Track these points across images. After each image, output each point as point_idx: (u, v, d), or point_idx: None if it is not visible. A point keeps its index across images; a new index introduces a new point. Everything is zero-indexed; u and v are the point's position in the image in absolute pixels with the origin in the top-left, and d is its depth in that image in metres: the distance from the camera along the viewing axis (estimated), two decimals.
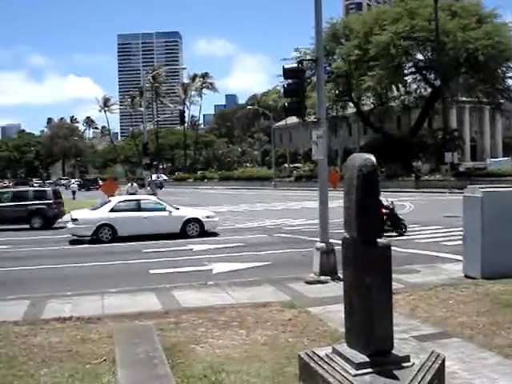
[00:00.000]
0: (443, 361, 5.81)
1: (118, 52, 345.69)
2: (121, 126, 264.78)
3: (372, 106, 68.09)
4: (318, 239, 13.59)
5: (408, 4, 58.24)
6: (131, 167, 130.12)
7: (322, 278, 12.67)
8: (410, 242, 18.81)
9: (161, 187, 72.79)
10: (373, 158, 5.53)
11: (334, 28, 63.87)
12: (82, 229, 22.20)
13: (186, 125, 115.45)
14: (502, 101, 61.24)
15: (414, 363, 5.51)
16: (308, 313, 9.65)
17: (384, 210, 20.55)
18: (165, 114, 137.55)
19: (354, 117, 71.64)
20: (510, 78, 59.55)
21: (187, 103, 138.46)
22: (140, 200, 24.14)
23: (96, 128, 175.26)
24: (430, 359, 5.68)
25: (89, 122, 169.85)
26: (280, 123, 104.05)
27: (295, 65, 14.68)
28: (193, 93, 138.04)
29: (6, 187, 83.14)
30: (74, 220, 22.51)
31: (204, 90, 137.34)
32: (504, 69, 58.40)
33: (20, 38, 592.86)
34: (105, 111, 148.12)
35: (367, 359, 5.43)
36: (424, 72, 63.06)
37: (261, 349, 7.68)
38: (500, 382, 6.35)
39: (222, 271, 14.72)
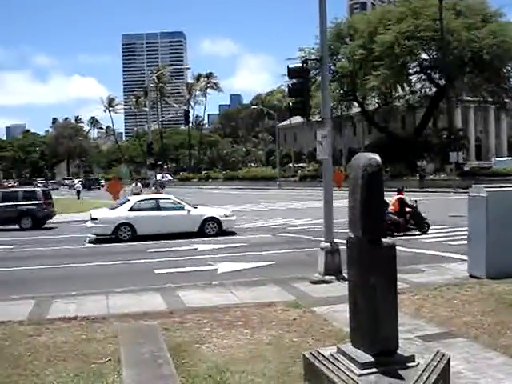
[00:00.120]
0: (448, 361, 5.80)
1: (123, 52, 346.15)
2: (125, 126, 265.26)
3: (377, 105, 67.98)
4: (322, 239, 13.59)
5: (412, 3, 58.12)
6: (136, 167, 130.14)
7: (327, 277, 12.66)
8: (415, 242, 18.78)
9: (163, 187, 72.91)
10: (378, 158, 5.52)
11: (338, 28, 63.83)
12: (102, 228, 22.45)
13: (190, 125, 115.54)
14: (506, 100, 61.02)
15: (419, 363, 5.50)
16: (313, 312, 9.65)
17: (408, 209, 20.71)
18: (169, 113, 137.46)
19: (358, 116, 71.54)
20: None
21: (192, 103, 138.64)
22: (159, 199, 24.33)
23: (101, 128, 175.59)
24: (435, 359, 5.67)
25: (93, 122, 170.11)
26: (284, 123, 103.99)
27: (300, 64, 14.64)
28: (197, 93, 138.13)
29: (12, 187, 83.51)
30: (93, 219, 22.75)
31: (208, 90, 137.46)
32: (509, 68, 58.30)
33: (25, 38, 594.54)
34: (109, 111, 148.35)
35: (372, 359, 5.43)
36: (429, 71, 62.91)
37: (265, 348, 7.67)
38: (506, 382, 6.33)
39: (227, 271, 14.72)
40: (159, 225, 22.48)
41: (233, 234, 23.36)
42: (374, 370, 5.34)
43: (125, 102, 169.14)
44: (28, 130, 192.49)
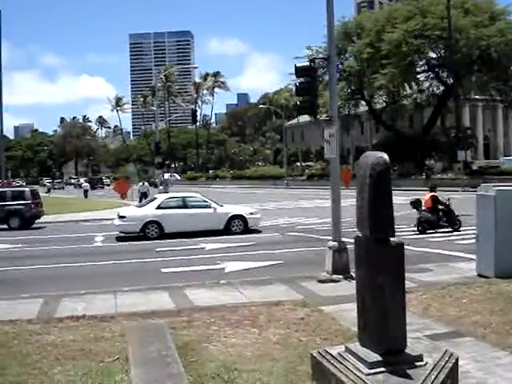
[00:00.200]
0: (456, 360, 5.79)
1: (130, 51, 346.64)
2: (133, 125, 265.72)
3: (384, 104, 67.85)
4: (330, 238, 13.57)
5: (420, 2, 58.01)
6: (143, 166, 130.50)
7: (335, 276, 12.64)
8: (423, 241, 18.74)
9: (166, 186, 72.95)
10: (386, 157, 5.51)
11: (346, 26, 63.76)
12: (130, 226, 22.68)
13: (197, 124, 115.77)
14: None
15: (427, 362, 5.49)
16: (320, 312, 9.64)
17: (440, 207, 20.88)
18: (177, 113, 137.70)
19: (366, 115, 71.43)
20: None
21: (199, 102, 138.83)
22: (186, 197, 24.48)
23: (108, 127, 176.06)
24: (444, 358, 5.66)
25: (101, 121, 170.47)
26: (292, 122, 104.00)
27: (307, 63, 14.62)
28: (205, 92, 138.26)
29: (20, 186, 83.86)
30: (121, 217, 23.00)
31: (216, 89, 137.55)
32: None
33: (33, 38, 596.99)
34: (117, 110, 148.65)
35: (380, 358, 5.42)
36: (436, 70, 62.75)
37: (273, 347, 7.67)
38: None
39: (235, 270, 14.72)
40: (186, 223, 22.69)
41: (258, 231, 23.55)
42: (382, 369, 5.33)
43: (132, 101, 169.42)
44: (36, 130, 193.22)
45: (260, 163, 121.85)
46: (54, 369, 7.04)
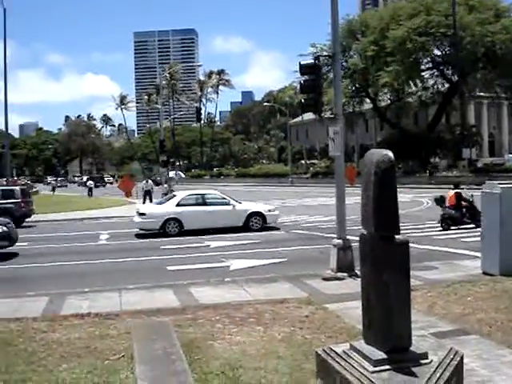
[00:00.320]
0: (462, 358, 5.78)
1: (135, 50, 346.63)
2: (137, 123, 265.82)
3: (389, 101, 67.79)
4: (335, 236, 13.57)
5: (424, 0, 57.89)
6: (148, 164, 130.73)
7: (339, 274, 12.64)
8: (428, 239, 18.72)
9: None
10: (391, 154, 5.50)
11: (350, 24, 63.74)
12: (150, 223, 22.85)
13: (202, 122, 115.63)
14: None
15: (432, 360, 5.48)
16: (325, 309, 9.64)
17: (464, 203, 20.99)
18: (181, 111, 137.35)
19: (370, 113, 71.40)
20: None
21: (203, 100, 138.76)
22: (205, 194, 24.62)
23: (113, 126, 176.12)
24: (449, 356, 5.65)
25: (106, 119, 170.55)
26: (296, 120, 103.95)
27: (312, 61, 14.60)
28: (209, 90, 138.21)
29: (25, 185, 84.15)
30: (141, 214, 23.17)
31: (220, 87, 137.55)
32: None
33: (38, 37, 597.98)
34: (121, 109, 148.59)
35: (385, 356, 5.41)
36: (441, 67, 62.65)
37: (278, 345, 7.68)
38: None
39: (239, 268, 14.74)
40: (206, 220, 22.81)
41: (276, 228, 23.59)
42: (387, 367, 5.33)
43: (137, 99, 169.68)
44: (41, 128, 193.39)
45: (264, 161, 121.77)
46: (59, 366, 7.06)
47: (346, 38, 61.08)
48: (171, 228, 22.58)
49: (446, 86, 62.82)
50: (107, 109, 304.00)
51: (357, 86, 64.59)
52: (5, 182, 44.26)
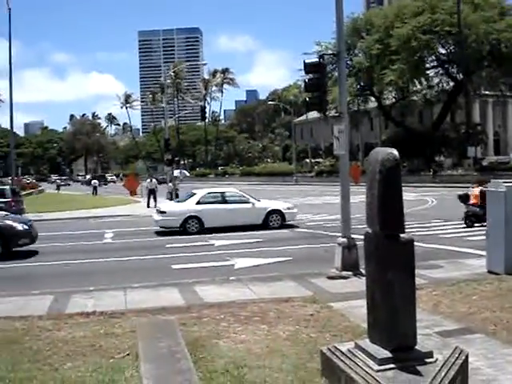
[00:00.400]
0: (467, 357, 5.77)
1: (139, 49, 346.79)
2: (142, 122, 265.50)
3: (393, 100, 67.68)
4: (339, 234, 13.56)
5: None
6: (153, 163, 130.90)
7: (344, 273, 12.62)
8: (433, 237, 18.69)
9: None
10: (395, 153, 5.50)
11: (355, 22, 63.62)
12: (171, 221, 22.93)
13: (206, 120, 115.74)
14: None
15: (437, 359, 5.48)
16: (330, 308, 9.63)
17: None
18: (186, 109, 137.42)
19: (375, 111, 71.31)
20: None
21: (208, 99, 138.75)
22: (225, 192, 24.73)
23: (118, 124, 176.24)
24: (454, 355, 5.65)
25: (110, 118, 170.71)
26: (301, 118, 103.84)
27: (316, 59, 14.58)
28: (213, 88, 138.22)
29: (30, 183, 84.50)
30: (162, 212, 23.24)
31: (225, 86, 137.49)
32: None
33: (43, 36, 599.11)
34: (126, 108, 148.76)
35: (390, 355, 5.41)
36: (446, 66, 62.53)
37: (283, 344, 7.67)
38: None
39: (244, 266, 14.74)
40: (226, 218, 22.88)
41: (295, 226, 23.66)
42: (392, 365, 5.33)
43: (141, 98, 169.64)
44: (46, 127, 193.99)
45: (269, 160, 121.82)
46: (65, 365, 7.07)
47: (351, 36, 60.99)
48: (191, 226, 22.65)
49: (451, 84, 62.70)
50: (112, 108, 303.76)
51: (361, 84, 64.52)
52: (10, 181, 44.34)
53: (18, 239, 17.87)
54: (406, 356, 5.43)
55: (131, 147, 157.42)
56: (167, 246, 19.40)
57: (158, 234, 22.90)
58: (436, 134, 62.48)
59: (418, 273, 6.16)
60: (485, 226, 20.30)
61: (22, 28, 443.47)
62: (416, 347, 5.56)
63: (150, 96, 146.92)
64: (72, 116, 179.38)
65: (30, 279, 14.22)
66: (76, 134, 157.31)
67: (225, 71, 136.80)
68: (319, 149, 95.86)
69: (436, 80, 64.13)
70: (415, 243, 5.66)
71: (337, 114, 13.85)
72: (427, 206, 32.42)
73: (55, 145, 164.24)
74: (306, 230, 22.68)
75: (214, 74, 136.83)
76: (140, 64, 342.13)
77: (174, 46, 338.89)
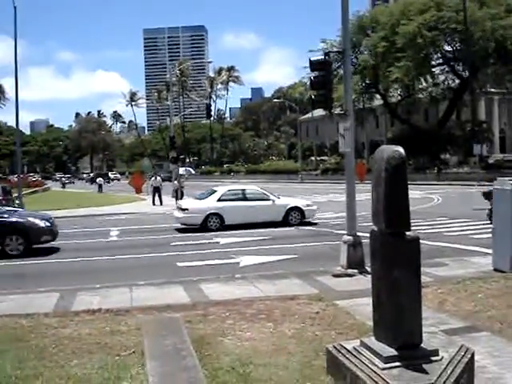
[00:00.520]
0: (472, 355, 5.77)
1: (145, 46, 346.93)
2: (147, 120, 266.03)
3: (399, 97, 67.59)
4: (345, 232, 13.54)
5: None
6: (158, 161, 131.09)
7: (350, 271, 12.62)
8: (439, 235, 18.64)
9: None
10: (401, 150, 5.49)
11: (360, 20, 63.48)
12: (192, 218, 23.03)
13: (212, 118, 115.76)
14: None
15: (442, 357, 5.47)
16: (335, 306, 9.63)
17: None
18: (191, 107, 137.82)
19: (380, 109, 71.12)
20: None
21: (213, 97, 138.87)
22: (245, 190, 24.87)
23: (123, 122, 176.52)
24: (459, 353, 5.64)
25: (116, 116, 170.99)
26: (306, 116, 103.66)
27: (322, 57, 14.54)
28: (219, 86, 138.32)
29: (35, 181, 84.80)
30: (183, 209, 23.39)
31: (230, 84, 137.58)
32: None
33: (48, 34, 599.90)
34: (132, 105, 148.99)
35: (395, 353, 5.41)
36: (452, 63, 62.35)
37: (288, 342, 7.68)
38: None
39: (249, 264, 14.74)
40: (246, 215, 22.98)
41: (314, 224, 23.64)
42: (398, 363, 5.33)
43: (147, 96, 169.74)
44: (52, 125, 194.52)
45: (274, 157, 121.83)
46: (71, 362, 7.10)
47: (357, 33, 60.84)
48: (212, 223, 22.75)
49: (457, 81, 62.54)
50: (117, 105, 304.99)
51: (367, 82, 64.40)
52: (16, 179, 44.45)
53: (40, 236, 18.14)
54: (412, 354, 5.42)
55: (137, 145, 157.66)
56: (172, 243, 19.43)
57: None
58: (442, 131, 62.31)
59: (423, 271, 6.15)
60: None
61: (28, 27, 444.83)
62: (422, 345, 5.56)
63: (156, 94, 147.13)
64: (77, 114, 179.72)
65: (36, 277, 14.26)
66: (82, 132, 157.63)
67: (230, 69, 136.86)
68: (324, 146, 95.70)
69: (442, 77, 63.98)
70: (421, 241, 5.65)
71: (342, 112, 13.84)
72: (433, 203, 32.35)
73: (61, 143, 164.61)
74: (311, 228, 22.66)
75: (219, 71, 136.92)
76: (145, 62, 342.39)
77: (179, 44, 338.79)
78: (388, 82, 60.35)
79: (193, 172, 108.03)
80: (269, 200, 23.65)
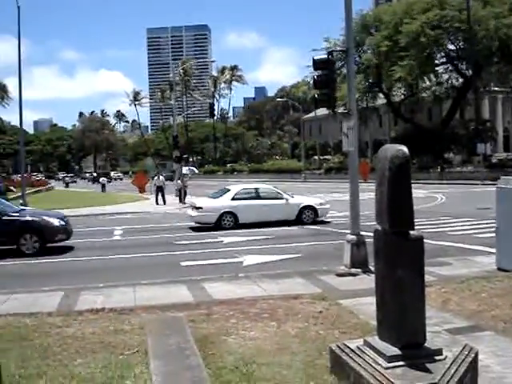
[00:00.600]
0: (476, 354, 5.76)
1: (148, 46, 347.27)
2: (151, 119, 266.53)
3: (402, 96, 67.46)
4: (348, 231, 13.54)
5: None
6: (161, 160, 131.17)
7: (353, 270, 12.62)
8: (442, 235, 18.61)
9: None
10: (405, 149, 5.48)
11: (364, 19, 63.43)
12: (206, 216, 23.11)
13: (215, 118, 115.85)
14: None
15: (446, 356, 5.46)
16: (339, 305, 9.62)
17: None
18: (194, 107, 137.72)
19: (384, 108, 71.04)
20: None
21: (216, 96, 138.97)
22: (259, 188, 24.86)
23: (126, 122, 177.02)
24: (463, 353, 5.63)
25: (119, 115, 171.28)
26: (309, 115, 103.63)
27: (325, 56, 14.54)
28: (222, 85, 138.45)
29: (39, 181, 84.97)
30: (197, 208, 23.42)
31: (233, 83, 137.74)
32: None
33: (52, 34, 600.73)
34: (135, 105, 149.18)
35: (399, 352, 5.41)
36: (455, 62, 62.22)
37: (292, 341, 7.67)
38: None
39: (253, 263, 14.74)
40: (260, 213, 23.04)
41: (326, 222, 23.64)
42: (401, 363, 5.32)
43: (150, 95, 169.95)
44: (55, 124, 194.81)
45: (277, 157, 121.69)
46: (74, 361, 7.11)
47: (360, 32, 60.76)
48: (226, 221, 22.82)
49: (460, 80, 62.41)
50: (121, 105, 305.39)
51: (370, 81, 64.34)
52: (19, 178, 44.55)
53: (55, 235, 18.30)
54: (416, 353, 5.42)
55: (140, 144, 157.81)
56: (176, 242, 19.44)
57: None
58: (445, 130, 62.19)
59: (426, 270, 6.13)
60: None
61: (32, 26, 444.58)
62: (425, 344, 5.55)
63: (159, 93, 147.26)
64: (81, 113, 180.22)
65: (40, 276, 14.29)
66: (85, 132, 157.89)
67: (233, 68, 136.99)
68: (328, 146, 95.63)
69: (445, 76, 63.86)
70: (424, 240, 5.64)
71: (346, 111, 13.84)
72: (436, 202, 32.30)
73: (64, 142, 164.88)
74: (314, 227, 22.64)
75: (222, 71, 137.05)
76: (148, 61, 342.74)
77: (182, 44, 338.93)
78: (391, 81, 60.30)
79: (196, 171, 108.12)
80: (282, 199, 23.70)
